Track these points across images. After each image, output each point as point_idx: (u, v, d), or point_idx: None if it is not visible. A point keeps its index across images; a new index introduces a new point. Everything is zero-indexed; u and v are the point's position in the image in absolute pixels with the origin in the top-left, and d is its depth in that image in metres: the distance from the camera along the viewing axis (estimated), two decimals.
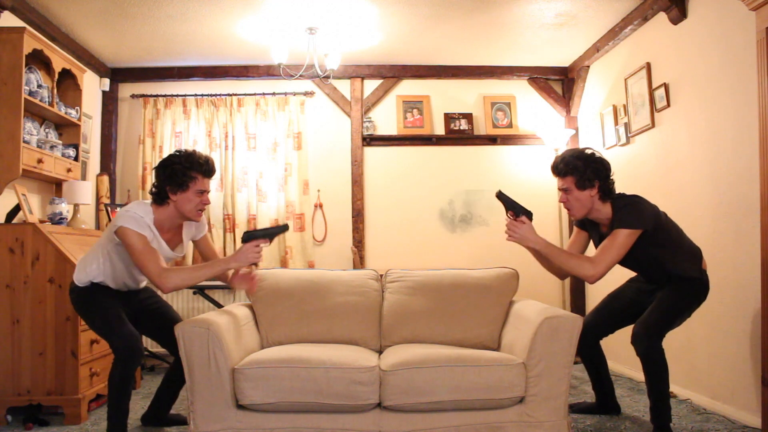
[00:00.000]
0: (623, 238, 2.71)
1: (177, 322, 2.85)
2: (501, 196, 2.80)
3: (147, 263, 2.57)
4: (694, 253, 2.90)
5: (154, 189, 2.72)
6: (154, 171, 2.75)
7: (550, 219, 5.31)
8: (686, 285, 2.86)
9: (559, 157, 2.86)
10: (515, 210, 2.77)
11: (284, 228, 2.72)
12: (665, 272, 2.88)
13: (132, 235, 2.58)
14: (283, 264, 5.17)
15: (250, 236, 2.64)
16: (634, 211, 2.74)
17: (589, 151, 2.84)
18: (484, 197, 5.34)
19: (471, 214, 5.36)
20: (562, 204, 2.90)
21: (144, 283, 3.00)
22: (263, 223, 5.16)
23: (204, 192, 2.71)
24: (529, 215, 2.77)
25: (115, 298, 2.81)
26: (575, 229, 3.13)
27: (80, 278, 2.80)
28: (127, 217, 2.62)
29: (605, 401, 3.28)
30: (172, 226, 2.79)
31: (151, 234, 2.65)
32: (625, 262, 2.87)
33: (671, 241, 2.86)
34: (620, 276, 3.13)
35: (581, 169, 2.76)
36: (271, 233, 2.67)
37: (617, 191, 2.87)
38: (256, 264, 2.66)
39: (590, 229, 3.03)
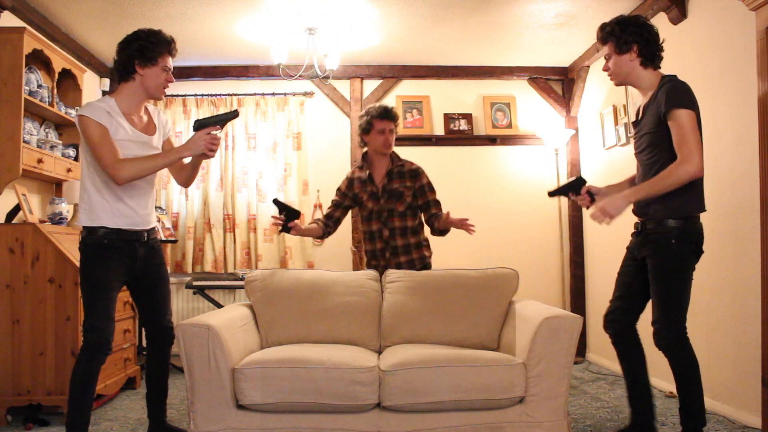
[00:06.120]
0: (687, 118, 2.52)
1: (168, 304, 2.91)
2: (552, 193, 2.84)
3: (103, 153, 2.56)
4: (695, 192, 2.63)
5: (118, 65, 2.69)
6: (118, 47, 2.69)
7: (551, 219, 5.31)
8: (663, 250, 2.62)
9: (600, 26, 2.79)
10: (573, 190, 2.70)
11: (234, 113, 2.72)
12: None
13: (89, 124, 2.58)
14: (283, 264, 5.17)
15: (201, 124, 2.64)
16: (684, 90, 2.58)
17: (633, 17, 2.76)
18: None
19: None
20: (606, 73, 2.81)
21: (151, 201, 2.85)
22: (262, 224, 5.16)
23: (168, 70, 2.73)
24: (584, 182, 2.72)
25: (119, 269, 2.67)
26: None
27: (86, 219, 2.65)
28: (86, 105, 2.65)
29: (642, 419, 2.71)
30: (138, 107, 2.76)
31: (109, 120, 2.62)
32: (639, 145, 2.75)
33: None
34: (618, 258, 3.13)
35: (618, 33, 2.70)
36: (222, 119, 2.68)
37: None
38: (210, 154, 2.63)
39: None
